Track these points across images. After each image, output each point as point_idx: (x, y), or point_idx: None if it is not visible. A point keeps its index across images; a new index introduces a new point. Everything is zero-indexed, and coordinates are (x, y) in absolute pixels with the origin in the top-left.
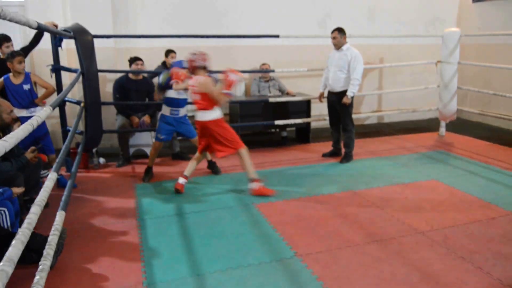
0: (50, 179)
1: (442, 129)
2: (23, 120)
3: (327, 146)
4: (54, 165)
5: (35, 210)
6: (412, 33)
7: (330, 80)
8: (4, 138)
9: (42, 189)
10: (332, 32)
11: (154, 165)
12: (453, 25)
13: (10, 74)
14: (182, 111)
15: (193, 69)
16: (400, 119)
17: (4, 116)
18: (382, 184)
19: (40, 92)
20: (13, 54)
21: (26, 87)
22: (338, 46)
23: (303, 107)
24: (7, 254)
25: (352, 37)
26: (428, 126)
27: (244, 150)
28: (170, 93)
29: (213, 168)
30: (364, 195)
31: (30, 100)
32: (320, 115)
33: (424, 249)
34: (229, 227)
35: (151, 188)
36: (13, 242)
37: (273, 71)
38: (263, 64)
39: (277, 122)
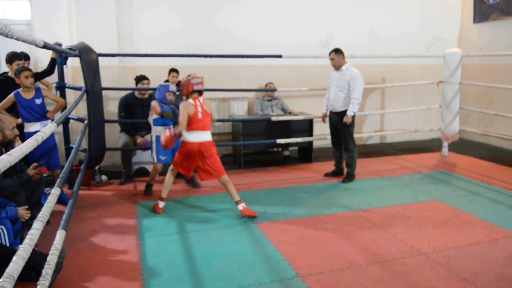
0: (53, 194)
1: (445, 150)
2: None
3: (330, 166)
4: (57, 181)
5: (37, 226)
6: (414, 53)
7: (331, 100)
8: (9, 152)
9: (45, 205)
10: (330, 53)
11: (155, 183)
12: (455, 45)
13: (20, 90)
14: None
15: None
16: (402, 139)
17: (7, 133)
18: (384, 204)
19: (50, 106)
20: (20, 70)
21: (38, 101)
22: (337, 67)
23: (306, 127)
24: (8, 270)
25: (354, 57)
26: (430, 146)
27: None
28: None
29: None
30: (367, 215)
31: (42, 114)
32: (322, 134)
33: (426, 270)
34: (230, 247)
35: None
36: (14, 258)
37: (275, 90)
38: (269, 83)
39: (279, 141)
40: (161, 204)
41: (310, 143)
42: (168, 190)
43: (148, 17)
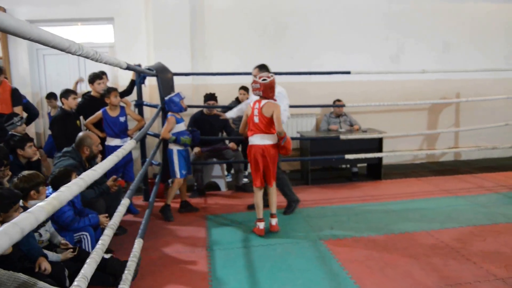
0: (123, 205)
1: None
2: (115, 148)
3: (400, 183)
4: (128, 192)
5: (109, 233)
6: (491, 66)
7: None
8: (94, 168)
9: (115, 214)
10: (254, 69)
11: (223, 197)
12: None
13: (107, 108)
14: None
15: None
16: (479, 157)
17: (93, 148)
18: (458, 225)
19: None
20: (109, 90)
21: (122, 119)
22: None
23: (375, 144)
24: (82, 271)
25: (426, 72)
26: (510, 164)
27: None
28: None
29: (187, 207)
30: (438, 235)
31: (123, 130)
32: (392, 151)
33: None
34: (296, 262)
35: (221, 219)
36: (88, 260)
37: (344, 105)
38: (338, 101)
39: (348, 157)
40: (262, 225)
41: (380, 159)
42: (261, 209)
43: (220, 36)
